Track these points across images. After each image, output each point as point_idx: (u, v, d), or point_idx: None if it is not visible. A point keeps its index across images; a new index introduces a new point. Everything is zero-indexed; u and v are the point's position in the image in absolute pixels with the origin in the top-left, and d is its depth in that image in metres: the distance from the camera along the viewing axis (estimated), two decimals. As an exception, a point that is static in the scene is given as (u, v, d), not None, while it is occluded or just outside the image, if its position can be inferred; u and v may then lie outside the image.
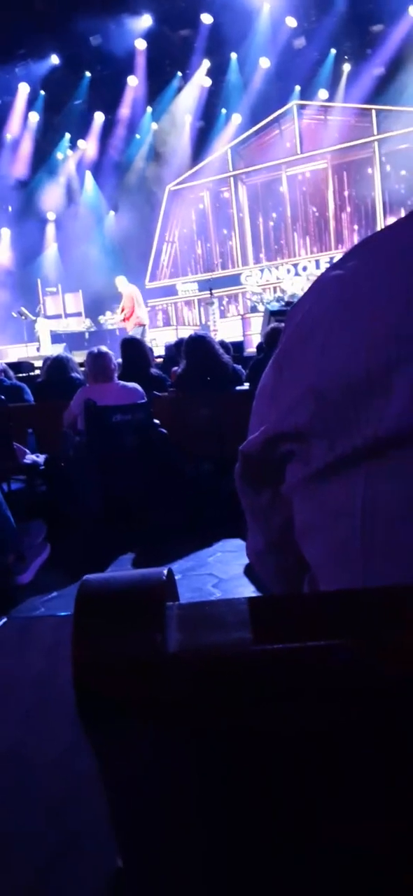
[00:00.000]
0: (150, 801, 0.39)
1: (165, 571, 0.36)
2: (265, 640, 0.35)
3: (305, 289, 0.63)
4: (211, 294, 14.37)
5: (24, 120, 16.37)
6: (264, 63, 15.75)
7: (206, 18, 14.39)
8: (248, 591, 3.07)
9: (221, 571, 3.40)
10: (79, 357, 6.59)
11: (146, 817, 0.39)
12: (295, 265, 16.98)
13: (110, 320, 15.23)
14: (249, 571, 3.24)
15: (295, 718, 0.36)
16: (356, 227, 17.43)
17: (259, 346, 6.97)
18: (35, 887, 1.28)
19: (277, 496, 0.63)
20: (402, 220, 0.54)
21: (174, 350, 6.82)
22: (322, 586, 0.57)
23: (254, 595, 0.41)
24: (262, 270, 17.54)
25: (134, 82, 16.27)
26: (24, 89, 15.78)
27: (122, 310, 12.16)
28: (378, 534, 0.48)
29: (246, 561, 3.21)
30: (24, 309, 13.84)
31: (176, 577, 0.39)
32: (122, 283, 12.14)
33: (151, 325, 15.76)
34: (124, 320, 12.25)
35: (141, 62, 15.60)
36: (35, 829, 1.48)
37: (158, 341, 12.34)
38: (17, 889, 1.26)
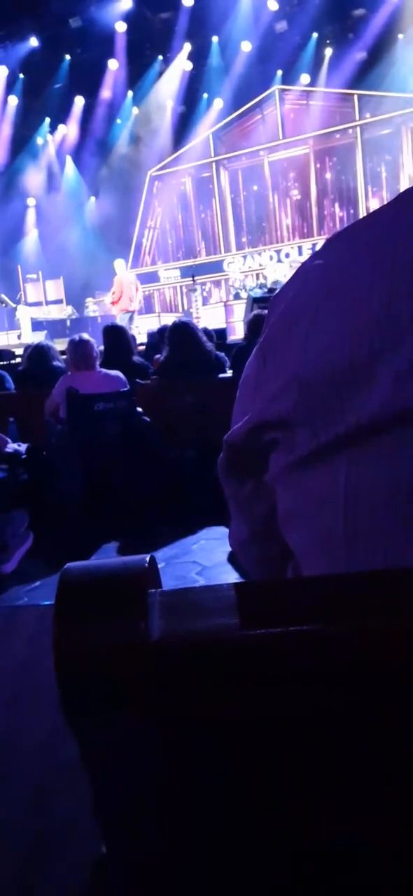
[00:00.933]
0: (133, 787, 0.39)
1: (148, 559, 0.36)
2: (248, 626, 0.35)
3: (288, 275, 0.63)
4: (193, 281, 14.32)
5: (2, 104, 16.12)
6: (246, 47, 15.65)
7: (187, 1, 14.25)
8: (232, 577, 3.08)
9: (205, 559, 3.41)
10: (60, 345, 6.54)
11: (129, 804, 0.39)
12: (278, 251, 16.96)
13: (92, 306, 15.14)
14: (233, 559, 3.25)
15: (279, 704, 0.36)
16: (338, 212, 17.44)
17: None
18: (20, 874, 1.28)
19: (261, 485, 0.63)
20: (384, 206, 0.54)
21: (157, 337, 6.79)
22: (305, 574, 0.57)
23: (237, 581, 0.41)
24: (244, 257, 17.50)
25: (114, 66, 16.08)
26: (2, 72, 15.53)
27: (113, 293, 12.13)
28: (361, 520, 0.49)
29: (230, 548, 3.21)
30: (4, 296, 13.69)
31: (160, 565, 0.39)
32: (117, 266, 12.10)
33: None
34: (112, 304, 12.21)
35: (121, 45, 15.42)
36: (20, 815, 1.48)
37: (141, 328, 12.28)
38: (2, 874, 1.26)
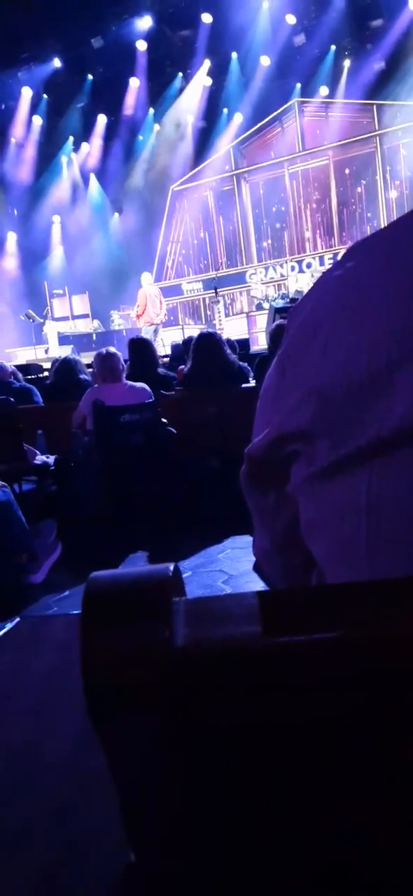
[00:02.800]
0: (159, 794, 0.39)
1: (172, 567, 0.37)
2: (272, 634, 0.35)
3: (310, 285, 0.63)
4: (216, 293, 14.37)
5: (27, 124, 16.41)
6: (265, 61, 15.71)
7: (207, 18, 14.37)
8: (258, 586, 3.05)
9: (231, 568, 3.40)
10: (86, 358, 6.61)
11: (156, 811, 0.40)
12: (299, 262, 16.93)
13: (118, 319, 15.28)
14: (259, 568, 3.23)
15: (303, 711, 0.36)
16: (359, 222, 17.35)
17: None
18: (44, 883, 1.29)
19: (283, 496, 0.63)
20: (403, 218, 0.55)
21: (181, 349, 6.82)
22: (329, 583, 0.57)
23: (260, 590, 0.42)
24: (266, 268, 17.51)
25: (135, 84, 16.27)
26: (27, 93, 15.81)
27: (137, 306, 12.27)
28: (383, 531, 0.49)
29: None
30: (31, 311, 13.90)
31: (186, 574, 0.39)
32: (143, 279, 12.25)
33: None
34: (137, 317, 12.34)
35: (142, 63, 15.60)
36: (46, 823, 1.48)
37: (165, 341, 12.36)
38: (26, 885, 1.26)
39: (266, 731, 0.37)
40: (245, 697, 0.36)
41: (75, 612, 2.93)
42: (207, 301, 17.13)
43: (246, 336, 11.45)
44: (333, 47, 15.44)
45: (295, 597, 0.42)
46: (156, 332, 12.00)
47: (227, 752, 0.38)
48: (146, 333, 10.56)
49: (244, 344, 8.29)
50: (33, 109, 16.29)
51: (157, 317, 12.23)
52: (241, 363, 4.82)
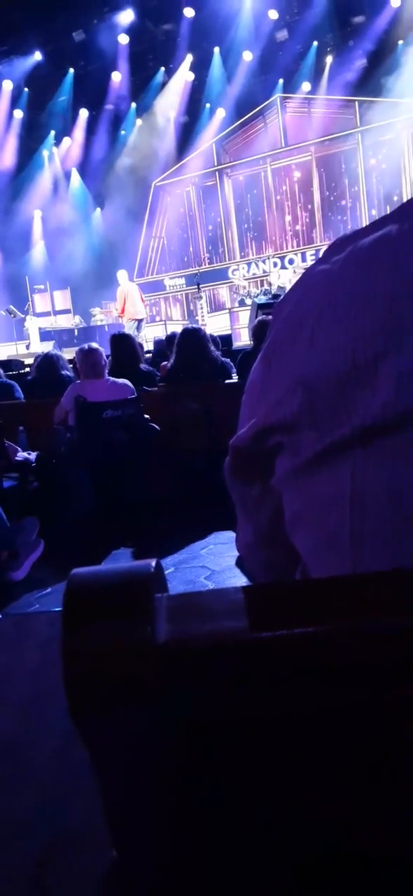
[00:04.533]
0: (142, 791, 0.39)
1: (153, 563, 0.36)
2: (254, 629, 0.35)
3: (292, 281, 0.63)
4: (198, 289, 14.36)
5: (8, 118, 16.25)
6: (247, 56, 15.74)
7: (189, 12, 14.34)
8: (241, 581, 3.06)
9: (214, 563, 3.41)
10: (68, 354, 6.57)
11: (138, 807, 0.40)
12: (281, 258, 16.99)
13: (100, 315, 15.21)
14: (242, 563, 3.25)
15: (285, 706, 0.36)
16: (341, 218, 17.44)
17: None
18: (33, 877, 1.28)
19: (267, 488, 0.63)
20: (388, 215, 0.55)
21: (164, 344, 6.81)
22: (312, 576, 0.57)
23: (243, 585, 0.42)
24: (248, 264, 17.54)
25: (118, 78, 16.19)
26: (7, 87, 15.65)
27: (116, 308, 12.23)
28: (367, 523, 0.49)
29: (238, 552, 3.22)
30: (12, 307, 13.79)
31: (169, 570, 0.39)
32: (119, 277, 12.18)
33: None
34: (118, 315, 12.32)
35: (124, 58, 15.54)
36: (32, 819, 1.47)
37: (147, 336, 12.34)
38: (15, 880, 1.26)
39: (249, 726, 0.37)
40: (228, 693, 0.36)
41: (58, 609, 2.90)
42: (190, 297, 17.12)
43: (228, 332, 11.45)
44: (315, 43, 15.51)
45: (278, 591, 0.42)
46: (138, 327, 11.97)
47: (211, 748, 0.37)
48: (129, 329, 10.52)
49: (227, 340, 8.29)
50: (14, 103, 16.15)
51: (139, 312, 12.19)
52: (223, 359, 4.83)
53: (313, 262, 0.60)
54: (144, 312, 12.67)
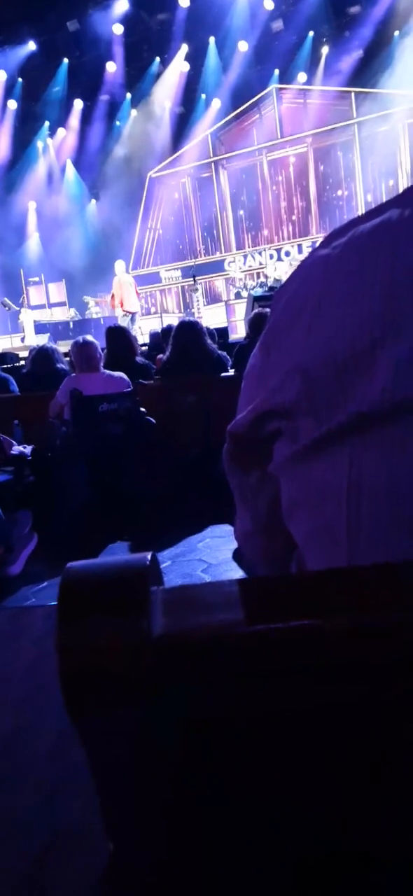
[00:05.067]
0: (138, 785, 0.39)
1: (149, 556, 0.36)
2: (251, 622, 0.35)
3: (288, 273, 0.63)
4: (194, 281, 14.32)
5: (2, 108, 16.14)
6: (243, 47, 15.64)
7: (184, 2, 14.25)
8: (237, 575, 3.07)
9: (211, 556, 3.41)
10: (63, 347, 6.55)
11: (134, 802, 0.40)
12: (278, 250, 16.95)
13: (94, 307, 15.16)
14: (238, 556, 3.25)
15: (281, 699, 0.36)
16: (337, 209, 17.41)
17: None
18: (30, 875, 1.29)
19: (265, 475, 0.64)
20: (389, 201, 0.55)
21: (160, 337, 6.79)
22: (308, 565, 0.57)
23: (240, 578, 0.42)
24: (245, 256, 17.49)
25: (112, 68, 16.08)
26: (1, 77, 15.54)
27: (113, 296, 12.18)
28: (363, 510, 0.49)
29: (235, 545, 3.22)
30: (7, 299, 13.72)
31: (166, 564, 0.39)
32: (117, 267, 12.14)
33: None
34: (113, 306, 12.27)
35: (119, 48, 15.42)
36: (29, 816, 1.48)
37: (143, 329, 12.31)
38: (12, 877, 1.26)
39: (247, 720, 0.37)
40: (224, 686, 0.36)
41: (54, 603, 2.90)
42: (186, 289, 17.08)
43: (225, 325, 11.44)
44: (311, 34, 15.42)
45: (274, 584, 0.42)
46: (132, 320, 11.93)
47: (208, 744, 0.37)
48: (123, 322, 10.49)
49: (223, 332, 8.28)
50: (8, 93, 16.02)
51: (133, 305, 12.15)
52: (220, 352, 4.82)
53: (312, 250, 0.60)
54: (138, 306, 12.63)
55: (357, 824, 0.39)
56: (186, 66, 16.52)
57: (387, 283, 0.48)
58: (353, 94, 15.99)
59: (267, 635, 0.35)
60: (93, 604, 0.34)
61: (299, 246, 16.69)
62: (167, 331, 5.79)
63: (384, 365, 0.47)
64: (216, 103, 17.15)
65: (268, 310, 0.64)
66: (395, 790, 0.39)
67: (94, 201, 18.56)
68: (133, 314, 12.13)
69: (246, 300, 11.61)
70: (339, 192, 17.52)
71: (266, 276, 14.98)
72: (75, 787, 1.51)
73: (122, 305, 12.01)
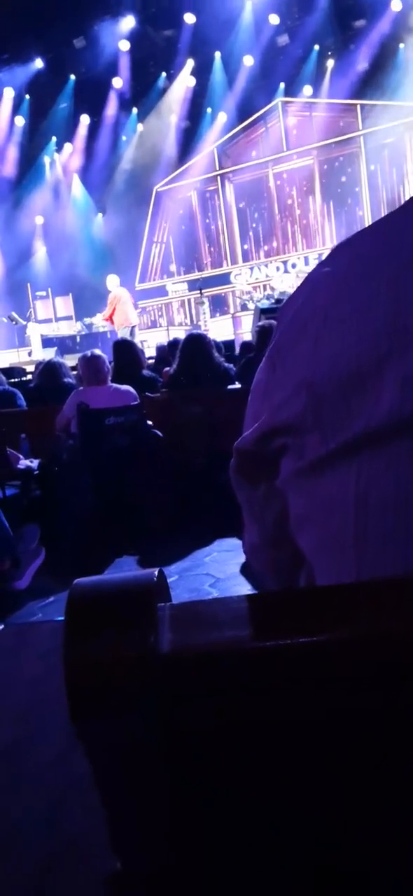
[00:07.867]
0: (145, 800, 0.39)
1: (156, 573, 0.36)
2: (257, 638, 0.35)
3: (295, 286, 0.63)
4: (201, 294, 14.36)
5: (9, 125, 16.32)
6: (248, 61, 15.75)
7: (190, 18, 14.38)
8: (245, 589, 3.07)
9: (218, 571, 3.40)
10: (70, 361, 6.58)
11: (141, 817, 0.39)
12: (284, 262, 16.99)
13: (96, 322, 15.21)
14: (246, 570, 3.24)
15: (287, 714, 0.36)
16: (344, 222, 17.45)
17: (243, 345, 6.96)
18: (34, 887, 1.28)
19: (272, 490, 0.63)
20: (390, 214, 0.55)
21: (166, 350, 6.82)
22: (317, 579, 0.57)
23: (247, 593, 0.42)
24: (251, 269, 17.54)
25: (119, 84, 16.24)
26: (8, 94, 15.72)
27: (112, 312, 12.17)
28: (371, 526, 0.49)
29: (242, 559, 3.21)
30: (14, 314, 13.80)
31: (173, 578, 0.39)
32: (109, 282, 12.14)
33: (142, 327, 15.75)
34: (105, 319, 12.26)
35: (125, 63, 15.58)
36: (33, 829, 1.48)
37: (149, 342, 12.33)
38: (16, 887, 1.26)
39: (252, 734, 0.37)
40: (231, 702, 0.35)
41: (60, 618, 2.90)
42: (193, 302, 17.14)
43: (232, 337, 11.46)
44: (317, 47, 15.52)
45: (282, 600, 0.41)
46: (132, 333, 11.88)
47: (213, 757, 0.37)
48: (122, 335, 10.47)
49: (229, 345, 8.30)
50: (15, 110, 16.19)
51: (131, 319, 12.09)
52: (227, 365, 4.83)
53: (317, 264, 0.60)
54: (136, 318, 12.60)
55: (358, 829, 0.39)
56: (192, 81, 16.65)
57: (392, 297, 0.48)
58: (358, 106, 16.06)
59: (274, 651, 0.35)
60: (99, 621, 0.34)
61: (306, 258, 16.72)
62: (174, 343, 5.81)
63: (391, 382, 0.47)
64: (222, 117, 17.26)
65: (274, 321, 0.64)
66: (396, 797, 0.38)
67: (100, 215, 18.68)
68: (132, 327, 12.11)
69: (252, 312, 11.64)
70: (346, 205, 17.56)
71: (272, 289, 15.01)
72: (79, 801, 1.50)
73: (108, 319, 11.95)
